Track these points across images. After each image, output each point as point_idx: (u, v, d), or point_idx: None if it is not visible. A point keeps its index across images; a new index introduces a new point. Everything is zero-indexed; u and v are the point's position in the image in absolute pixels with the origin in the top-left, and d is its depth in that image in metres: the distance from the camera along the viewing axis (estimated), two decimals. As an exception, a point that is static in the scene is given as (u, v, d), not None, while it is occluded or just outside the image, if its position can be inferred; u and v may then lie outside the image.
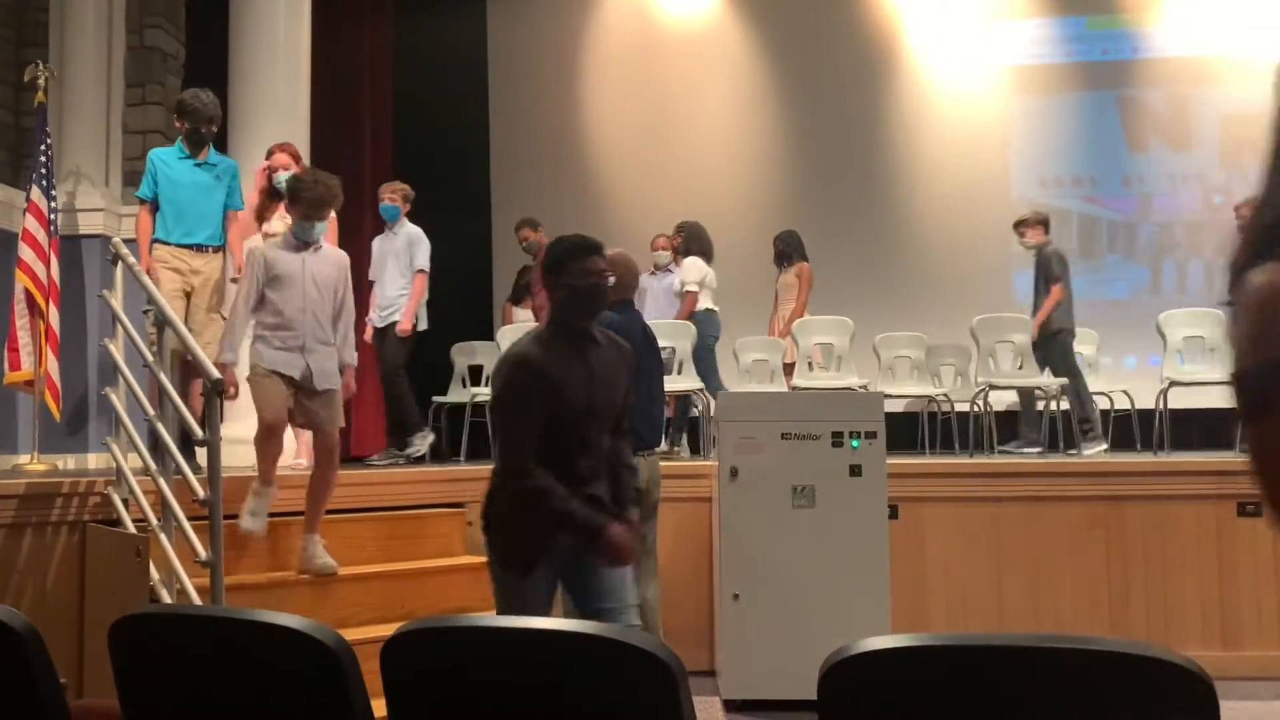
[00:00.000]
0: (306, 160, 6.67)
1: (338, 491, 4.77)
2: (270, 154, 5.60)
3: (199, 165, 5.17)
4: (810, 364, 7.18)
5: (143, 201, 5.17)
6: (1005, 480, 5.35)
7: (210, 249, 5.12)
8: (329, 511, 4.58)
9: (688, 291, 7.18)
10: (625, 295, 4.15)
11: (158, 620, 1.61)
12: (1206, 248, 9.36)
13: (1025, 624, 5.15)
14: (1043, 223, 7.23)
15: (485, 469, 5.74)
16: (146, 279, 4.24)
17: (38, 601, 3.96)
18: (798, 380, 7.12)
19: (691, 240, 7.38)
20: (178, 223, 5.06)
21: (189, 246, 5.04)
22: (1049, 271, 7.00)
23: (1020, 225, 7.28)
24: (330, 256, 4.28)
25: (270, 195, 5.37)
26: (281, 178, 5.18)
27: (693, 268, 7.25)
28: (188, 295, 5.01)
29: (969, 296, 8.86)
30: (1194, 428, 7.13)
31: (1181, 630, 5.12)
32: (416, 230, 6.37)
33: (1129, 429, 7.14)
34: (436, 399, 7.54)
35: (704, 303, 7.20)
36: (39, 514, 4.05)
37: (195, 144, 5.17)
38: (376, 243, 6.52)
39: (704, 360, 6.95)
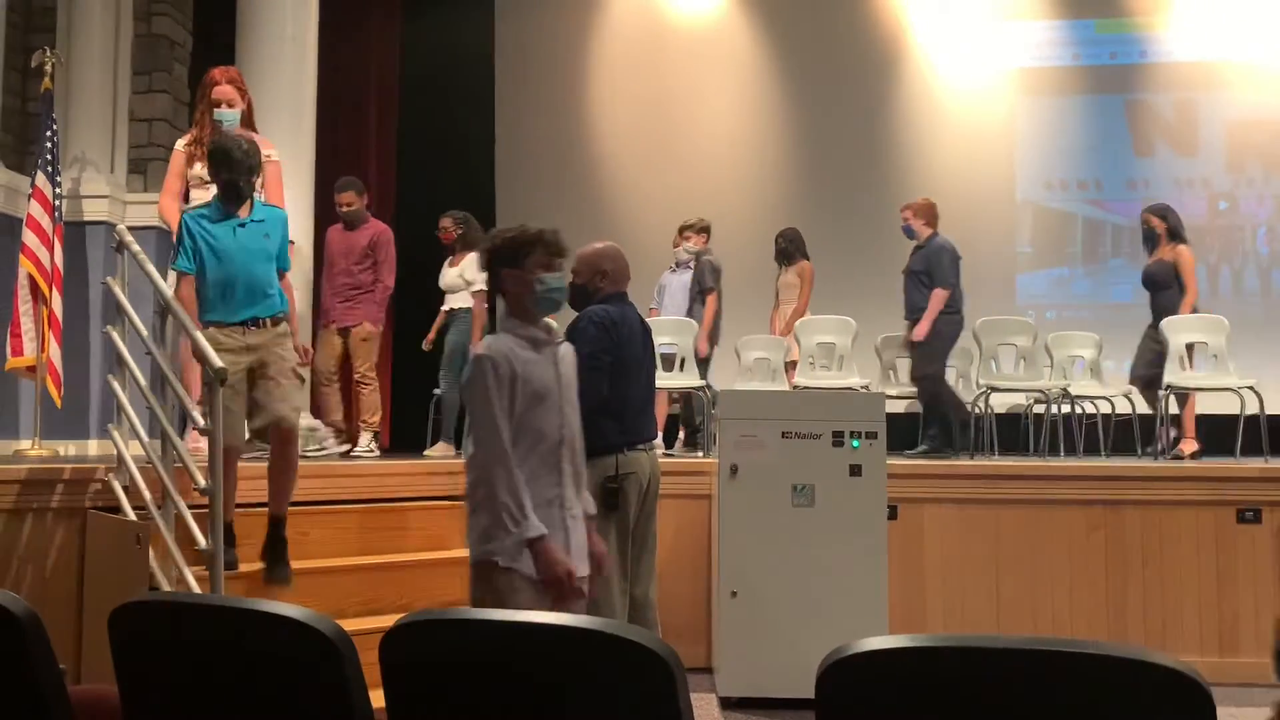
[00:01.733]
0: (306, 155, 6.70)
1: (335, 483, 4.79)
2: (211, 81, 4.99)
3: (242, 225, 4.05)
4: (812, 363, 7.18)
5: (182, 274, 4.07)
6: (1005, 483, 5.36)
7: (268, 321, 4.04)
8: (327, 502, 4.60)
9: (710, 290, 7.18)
10: (619, 288, 4.13)
11: (158, 608, 1.61)
12: (1211, 253, 9.35)
13: (1023, 626, 5.16)
14: (705, 230, 7.14)
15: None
16: (151, 267, 4.24)
17: (37, 587, 3.97)
18: (799, 379, 7.12)
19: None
20: (224, 299, 3.99)
21: (242, 324, 3.99)
22: (704, 282, 6.97)
23: (685, 230, 7.16)
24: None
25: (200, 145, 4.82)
26: (224, 116, 4.87)
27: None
28: (251, 372, 3.98)
29: (972, 299, 8.84)
30: (1195, 433, 7.13)
31: (1179, 635, 5.13)
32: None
33: (1130, 433, 7.14)
34: (436, 391, 7.54)
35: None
36: (40, 500, 4.05)
37: (236, 200, 4.05)
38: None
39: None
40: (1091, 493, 5.31)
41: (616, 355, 3.93)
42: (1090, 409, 7.33)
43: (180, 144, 5.07)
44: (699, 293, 7.04)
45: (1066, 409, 7.00)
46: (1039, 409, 7.37)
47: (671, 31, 10.09)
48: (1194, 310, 6.86)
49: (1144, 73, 9.54)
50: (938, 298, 6.51)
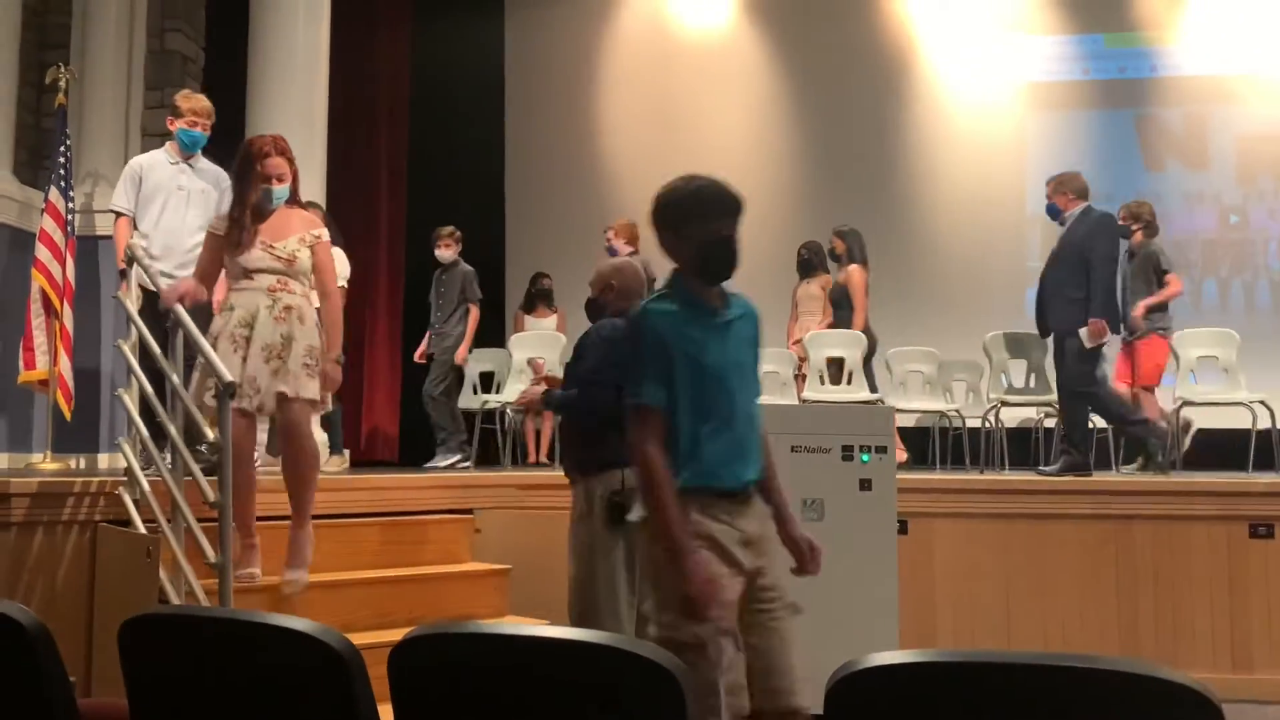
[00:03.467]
0: (318, 168, 6.73)
1: (344, 495, 4.79)
2: (261, 152, 4.05)
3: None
4: (822, 377, 7.17)
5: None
6: (1015, 497, 5.34)
7: None
8: (337, 515, 4.60)
9: None
10: (628, 303, 4.13)
11: (168, 621, 1.62)
12: (1222, 267, 9.32)
13: (1033, 642, 5.13)
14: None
15: (493, 476, 5.78)
16: (162, 281, 4.26)
17: (48, 600, 3.98)
18: (808, 393, 7.12)
19: None
20: None
21: None
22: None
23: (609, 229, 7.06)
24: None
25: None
26: (277, 194, 4.02)
27: None
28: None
29: (982, 312, 8.85)
30: (1206, 447, 7.09)
31: (1191, 651, 5.09)
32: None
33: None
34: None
35: None
36: (51, 513, 4.07)
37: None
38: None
39: None
40: (1102, 507, 5.28)
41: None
42: (1101, 423, 7.31)
43: (216, 225, 4.08)
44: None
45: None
46: (1049, 423, 7.34)
47: (680, 45, 10.12)
48: (865, 329, 6.90)
49: (1154, 87, 9.54)
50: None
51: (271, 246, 3.92)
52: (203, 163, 5.14)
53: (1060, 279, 5.90)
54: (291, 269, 3.94)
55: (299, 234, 3.98)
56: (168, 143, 5.16)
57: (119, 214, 5.03)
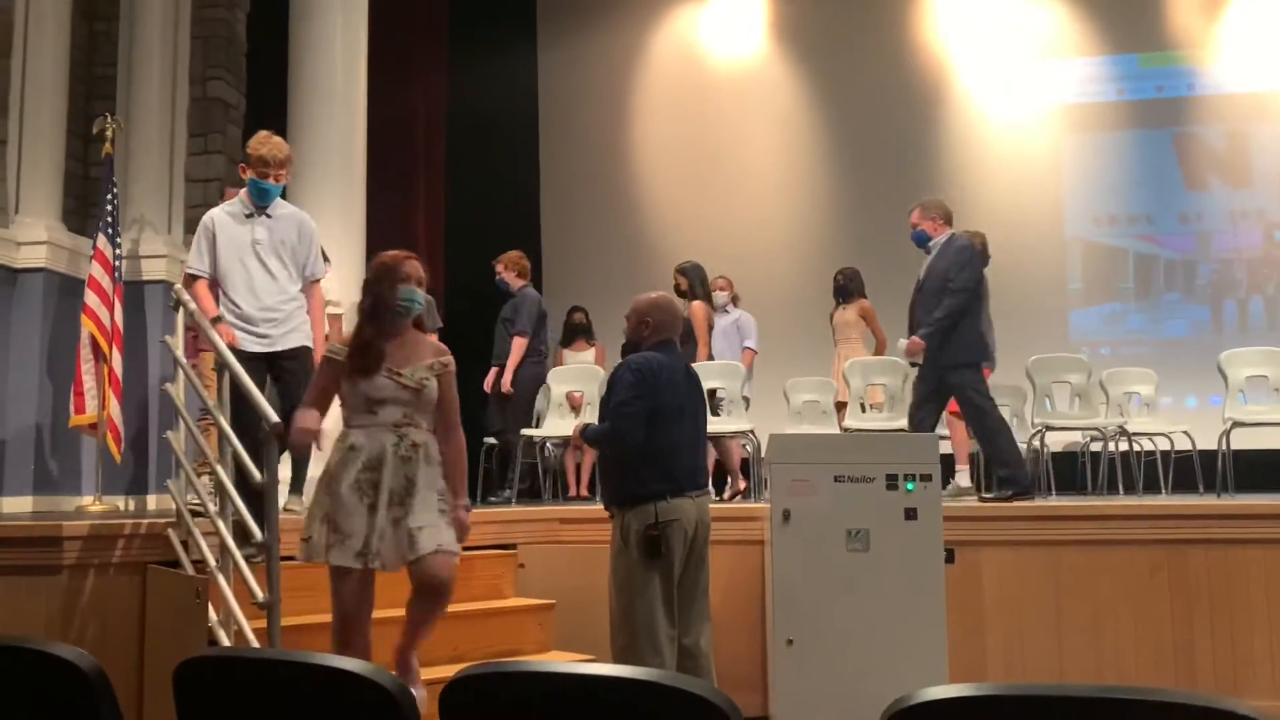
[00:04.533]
0: (357, 206, 6.83)
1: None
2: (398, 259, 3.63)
3: None
4: (863, 405, 7.12)
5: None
6: (1064, 523, 5.26)
7: None
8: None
9: (747, 348, 7.34)
10: (669, 336, 4.15)
11: (222, 663, 1.63)
12: (1268, 284, 9.19)
13: (1086, 673, 5.03)
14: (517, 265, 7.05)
15: (535, 510, 5.79)
16: (206, 324, 4.33)
17: (100, 640, 4.02)
18: (850, 422, 7.07)
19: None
20: None
21: None
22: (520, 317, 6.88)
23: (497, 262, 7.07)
24: None
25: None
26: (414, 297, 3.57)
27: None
28: None
29: (1024, 337, 8.77)
30: (1258, 469, 6.96)
31: (1251, 680, 4.97)
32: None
33: (1190, 471, 6.99)
34: (488, 439, 7.58)
35: None
36: (102, 555, 4.12)
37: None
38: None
39: None
40: (1153, 532, 5.19)
41: (653, 402, 3.92)
42: (1149, 446, 7.20)
43: (335, 349, 3.60)
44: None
45: (1124, 446, 6.87)
46: (1095, 447, 7.24)
47: (713, 74, 10.19)
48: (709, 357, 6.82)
49: (1192, 105, 9.46)
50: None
51: (398, 374, 3.45)
52: (282, 209, 4.60)
53: (927, 308, 5.68)
54: (419, 400, 3.47)
55: (428, 360, 3.52)
56: (241, 191, 4.60)
57: (195, 276, 4.46)
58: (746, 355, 7.35)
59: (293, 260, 4.51)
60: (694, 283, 7.11)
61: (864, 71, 9.86)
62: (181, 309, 4.45)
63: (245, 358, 4.17)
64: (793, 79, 10.10)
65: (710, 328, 7.06)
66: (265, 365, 4.36)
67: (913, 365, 5.71)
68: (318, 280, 4.62)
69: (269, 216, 4.52)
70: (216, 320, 4.28)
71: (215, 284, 4.52)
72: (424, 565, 3.39)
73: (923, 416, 5.59)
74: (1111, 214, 9.51)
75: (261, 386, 4.11)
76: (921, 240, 5.92)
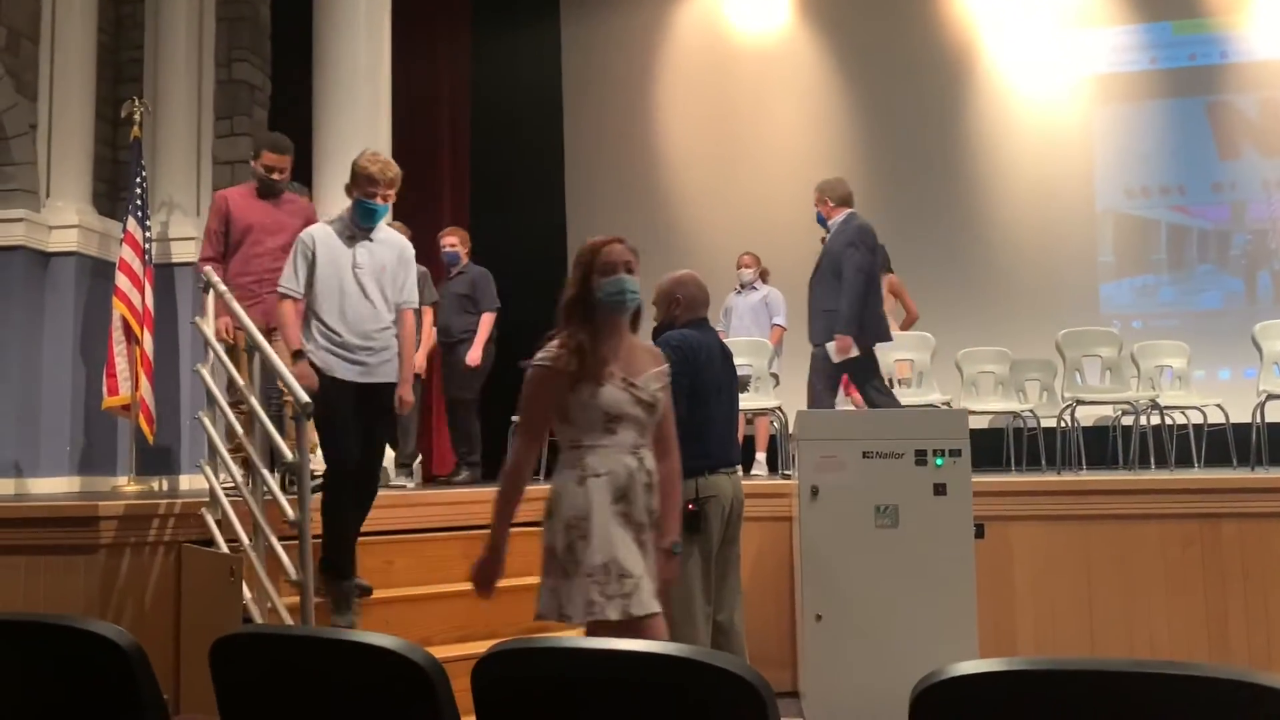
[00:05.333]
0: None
1: (421, 510, 4.85)
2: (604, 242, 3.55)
3: None
4: (891, 381, 7.09)
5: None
6: (1095, 498, 5.22)
7: None
8: (411, 531, 4.66)
9: (776, 325, 7.28)
10: (699, 314, 4.15)
11: (257, 640, 1.66)
12: (1303, 255, 9.05)
13: (1118, 648, 5.01)
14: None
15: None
16: (237, 305, 4.36)
17: (137, 618, 4.09)
18: (878, 397, 7.04)
19: None
20: None
21: None
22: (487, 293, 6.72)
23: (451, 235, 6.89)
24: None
25: None
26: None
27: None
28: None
29: (1054, 310, 8.69)
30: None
31: (1285, 653, 4.93)
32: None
33: (1224, 444, 6.91)
34: (515, 418, 7.60)
35: None
36: (137, 534, 4.18)
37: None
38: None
39: None
40: (1186, 506, 5.14)
41: (695, 379, 3.93)
42: (1181, 419, 7.12)
43: (553, 357, 3.05)
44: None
45: (1156, 420, 6.81)
46: (1127, 421, 7.18)
47: (737, 49, 10.11)
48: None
49: (1226, 73, 9.30)
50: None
51: (634, 385, 2.93)
52: (383, 232, 4.29)
53: (820, 290, 5.65)
54: (651, 417, 2.97)
55: (653, 369, 3.03)
56: (344, 209, 4.25)
57: (285, 295, 4.11)
58: (775, 332, 7.32)
59: (391, 286, 4.19)
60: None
61: (890, 44, 9.75)
62: (211, 291, 4.49)
63: (336, 384, 4.01)
64: (818, 53, 10.01)
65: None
66: (354, 393, 4.07)
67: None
68: (413, 308, 4.30)
69: (371, 240, 4.17)
70: (299, 355, 4.02)
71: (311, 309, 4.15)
72: (644, 631, 2.78)
73: (871, 396, 5.59)
74: (1144, 185, 9.38)
75: (349, 415, 4.02)
76: (822, 222, 5.96)
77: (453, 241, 6.89)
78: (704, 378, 3.97)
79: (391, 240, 4.28)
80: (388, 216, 4.46)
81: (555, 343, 2.93)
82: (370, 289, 4.11)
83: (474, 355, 6.55)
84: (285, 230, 5.09)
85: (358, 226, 4.16)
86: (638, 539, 2.84)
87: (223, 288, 4.43)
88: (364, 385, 4.08)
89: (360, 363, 4.08)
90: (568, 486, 2.89)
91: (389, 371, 4.16)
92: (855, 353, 5.46)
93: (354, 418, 4.03)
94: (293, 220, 5.17)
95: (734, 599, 4.08)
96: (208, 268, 4.74)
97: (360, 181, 4.13)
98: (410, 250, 4.32)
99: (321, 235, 4.14)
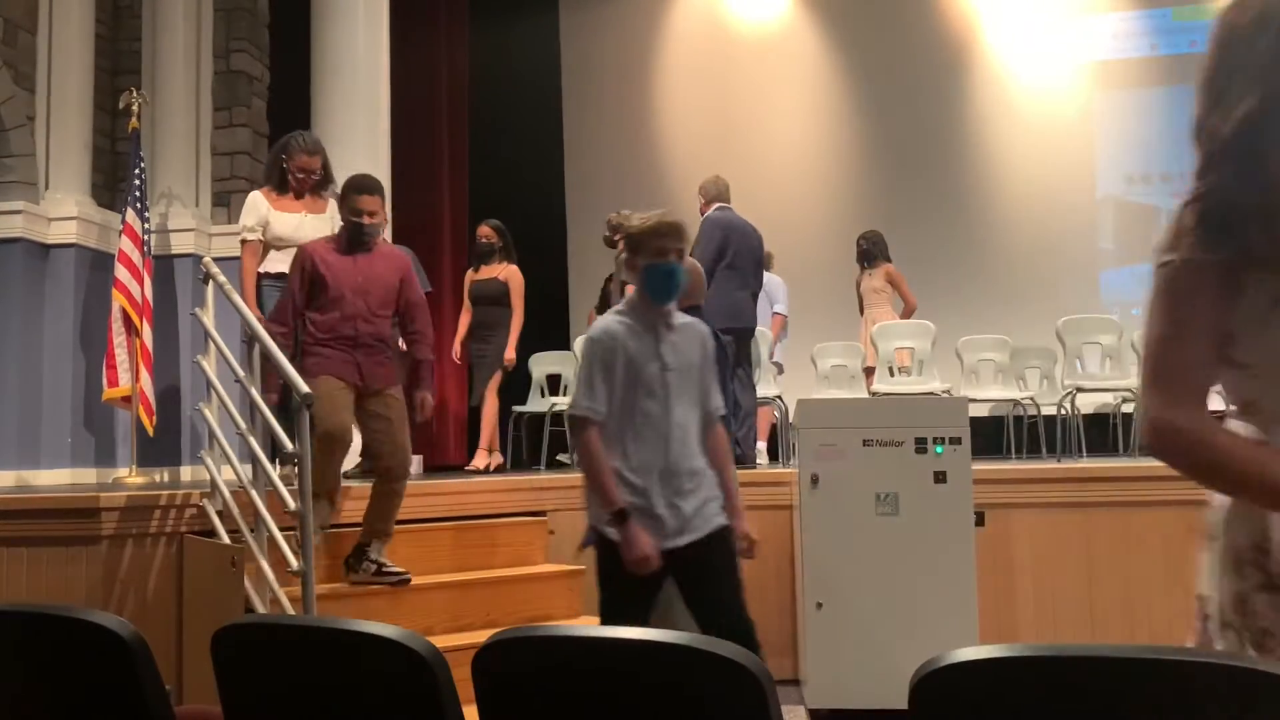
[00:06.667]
0: (383, 174, 6.84)
1: (419, 500, 4.86)
2: None
3: None
4: (891, 369, 7.09)
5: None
6: (1095, 485, 5.22)
7: None
8: (413, 520, 4.67)
9: (777, 313, 7.28)
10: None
11: (259, 630, 1.66)
12: (1304, 242, 9.05)
13: (1119, 635, 5.02)
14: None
15: (565, 478, 5.82)
16: (237, 297, 4.36)
17: (139, 609, 4.09)
18: (878, 386, 7.05)
19: None
20: None
21: None
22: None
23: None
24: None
25: None
26: None
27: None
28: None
29: (1054, 297, 8.69)
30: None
31: (1285, 640, 4.93)
32: None
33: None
34: (516, 408, 7.62)
35: None
36: (139, 525, 4.19)
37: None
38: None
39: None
40: (1187, 493, 5.11)
41: None
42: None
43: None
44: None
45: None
46: (1128, 408, 7.18)
47: (737, 37, 10.09)
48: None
49: (1226, 59, 9.27)
50: None
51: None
52: (678, 319, 3.31)
53: None
54: None
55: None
56: (628, 298, 3.34)
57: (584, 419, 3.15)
58: (776, 320, 7.31)
59: (700, 389, 3.33)
60: (508, 244, 6.83)
61: (890, 32, 9.73)
62: (211, 282, 4.49)
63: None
64: (818, 40, 9.99)
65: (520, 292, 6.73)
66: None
67: None
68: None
69: (670, 327, 3.26)
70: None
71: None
72: None
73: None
74: (1144, 172, 9.37)
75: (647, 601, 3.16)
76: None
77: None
78: None
79: (690, 328, 3.35)
80: None
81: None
82: (684, 392, 3.28)
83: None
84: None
85: (656, 312, 3.29)
86: None
87: (222, 279, 4.42)
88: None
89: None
90: None
91: (714, 517, 3.32)
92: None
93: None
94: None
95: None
96: (207, 257, 4.75)
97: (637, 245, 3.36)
98: (711, 341, 3.44)
99: (621, 330, 3.20)
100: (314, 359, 4.17)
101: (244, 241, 5.12)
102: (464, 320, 6.92)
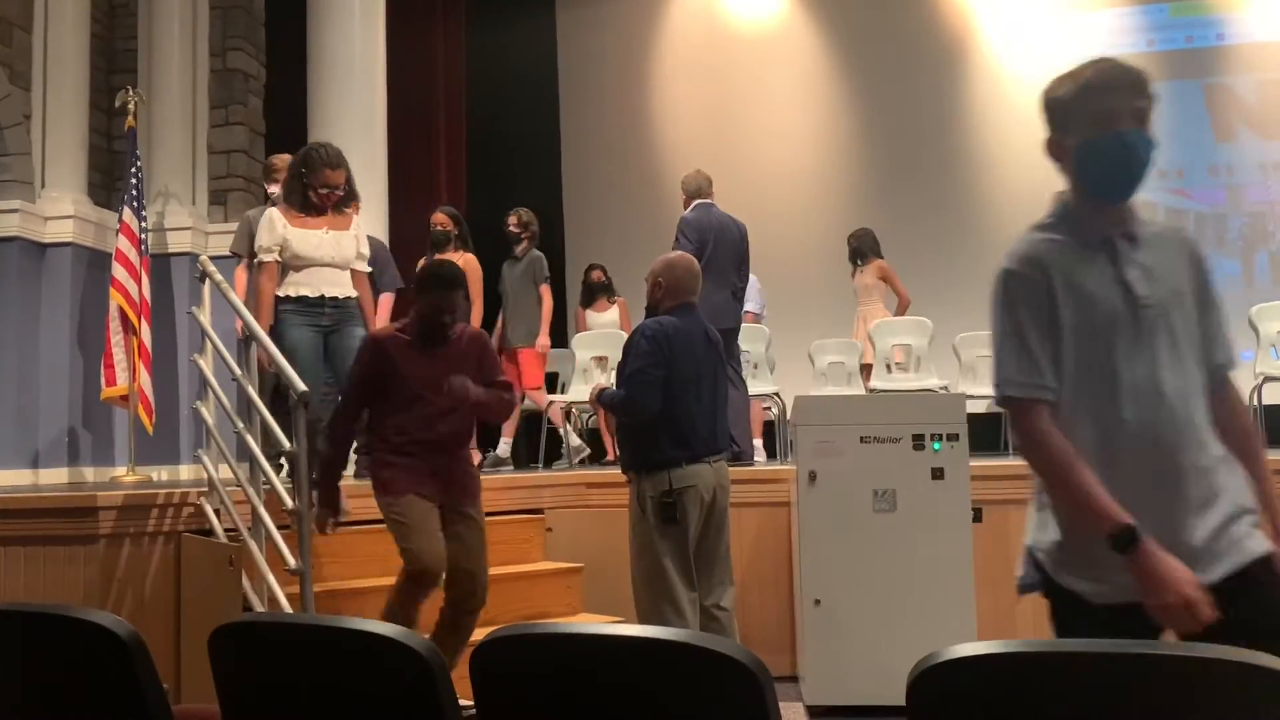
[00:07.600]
0: (379, 172, 6.83)
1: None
2: None
3: None
4: (888, 366, 7.09)
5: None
6: (1092, 481, 5.22)
7: None
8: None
9: (748, 311, 7.23)
10: (683, 299, 4.11)
11: (257, 629, 1.66)
12: (1300, 237, 9.05)
13: (1116, 629, 5.01)
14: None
15: (563, 475, 5.82)
16: (234, 295, 4.35)
17: (137, 608, 4.09)
18: (875, 382, 7.05)
19: None
20: None
21: None
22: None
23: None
24: None
25: None
26: None
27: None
28: None
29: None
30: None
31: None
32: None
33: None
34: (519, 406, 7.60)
35: None
36: (136, 524, 4.19)
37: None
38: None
39: None
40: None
41: (669, 369, 3.91)
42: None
43: None
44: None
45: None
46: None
47: (733, 34, 10.08)
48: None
49: (1223, 55, 9.28)
50: None
51: None
52: (1147, 226, 2.46)
53: None
54: None
55: None
56: (1058, 201, 2.58)
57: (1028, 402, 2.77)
58: (746, 318, 7.27)
59: None
60: (464, 233, 6.59)
61: (887, 28, 9.73)
62: (208, 280, 4.48)
63: None
64: (814, 37, 9.98)
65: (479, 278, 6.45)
66: None
67: None
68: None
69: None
70: None
71: None
72: None
73: None
74: (1140, 168, 9.38)
75: None
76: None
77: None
78: (681, 367, 3.94)
79: None
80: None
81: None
82: None
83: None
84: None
85: None
86: None
87: (219, 278, 4.41)
88: None
89: None
90: None
91: None
92: None
93: None
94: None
95: (723, 586, 4.06)
96: (204, 256, 4.73)
97: None
98: None
99: None
100: (390, 471, 3.65)
101: (260, 263, 4.59)
102: None
